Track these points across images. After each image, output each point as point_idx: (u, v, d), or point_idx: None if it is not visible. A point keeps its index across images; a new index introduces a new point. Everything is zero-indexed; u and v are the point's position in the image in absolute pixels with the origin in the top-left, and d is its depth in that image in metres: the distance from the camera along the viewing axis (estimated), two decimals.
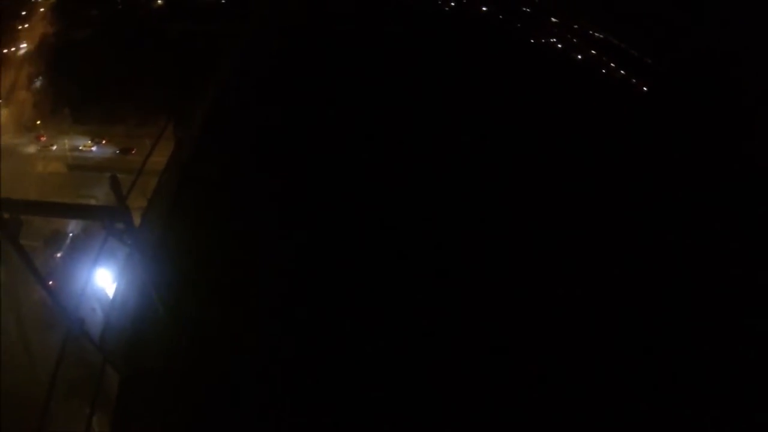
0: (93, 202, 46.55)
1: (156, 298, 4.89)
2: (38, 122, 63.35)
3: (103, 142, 60.92)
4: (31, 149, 61.97)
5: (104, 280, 33.71)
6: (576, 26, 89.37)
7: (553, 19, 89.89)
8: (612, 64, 76.70)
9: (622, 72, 74.51)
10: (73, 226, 45.78)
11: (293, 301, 6.42)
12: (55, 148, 61.97)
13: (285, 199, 8.52)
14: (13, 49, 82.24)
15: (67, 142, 62.38)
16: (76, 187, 51.89)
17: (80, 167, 56.63)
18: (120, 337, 5.61)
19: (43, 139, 62.35)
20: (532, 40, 67.35)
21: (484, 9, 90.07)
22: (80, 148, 61.32)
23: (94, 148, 60.90)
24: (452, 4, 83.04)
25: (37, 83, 69.83)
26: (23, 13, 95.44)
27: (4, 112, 67.83)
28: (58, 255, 44.77)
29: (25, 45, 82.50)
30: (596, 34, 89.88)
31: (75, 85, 62.07)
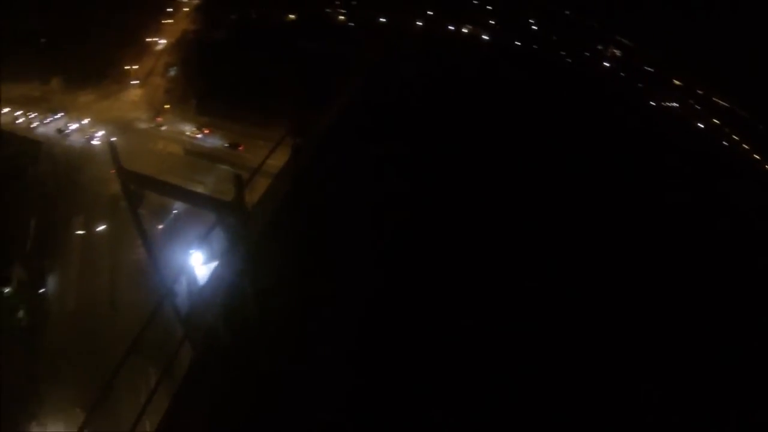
0: (201, 188, 49.42)
1: (249, 289, 5.00)
2: (166, 106, 69.11)
3: (206, 131, 65.34)
4: (143, 125, 69.09)
5: (196, 261, 35.71)
6: (700, 91, 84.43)
7: (677, 82, 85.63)
8: (735, 137, 71.48)
9: (745, 146, 69.17)
10: (179, 205, 49.15)
11: (383, 307, 6.21)
12: (164, 128, 68.02)
13: (392, 220, 8.37)
14: (156, 40, 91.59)
15: (179, 127, 68.07)
16: (189, 170, 56.38)
17: (194, 153, 61.24)
18: (205, 317, 5.70)
19: (159, 119, 68.82)
20: (652, 102, 64.19)
21: (605, 65, 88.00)
22: (187, 133, 66.28)
23: (199, 135, 65.55)
24: (575, 57, 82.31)
25: (172, 72, 76.61)
26: (169, 10, 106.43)
27: (139, 92, 75.42)
28: (160, 227, 48.60)
29: (166, 38, 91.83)
30: (721, 102, 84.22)
31: (204, 80, 67.11)
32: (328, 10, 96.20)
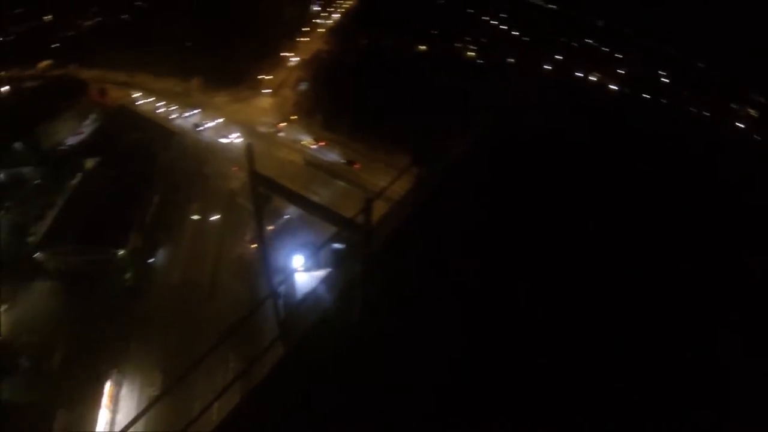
0: (316, 198, 50.27)
1: (356, 304, 4.43)
2: (293, 117, 72.51)
3: (321, 144, 67.61)
4: (266, 130, 72.89)
5: (298, 265, 36.51)
6: None
7: None
8: None
9: None
10: (291, 210, 50.63)
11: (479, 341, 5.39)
12: (282, 134, 71.36)
13: (505, 261, 7.55)
14: (290, 55, 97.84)
15: (297, 136, 71.04)
16: (307, 180, 58.32)
17: (313, 165, 63.25)
18: (304, 322, 4.98)
19: (280, 126, 72.14)
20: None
21: (739, 125, 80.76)
22: (303, 142, 68.98)
23: (314, 146, 68.02)
24: (705, 114, 76.49)
25: (302, 86, 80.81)
26: (306, 29, 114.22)
27: (270, 101, 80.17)
28: (270, 228, 49.92)
29: (300, 55, 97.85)
30: None
31: (331, 98, 69.70)
32: (458, 45, 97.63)
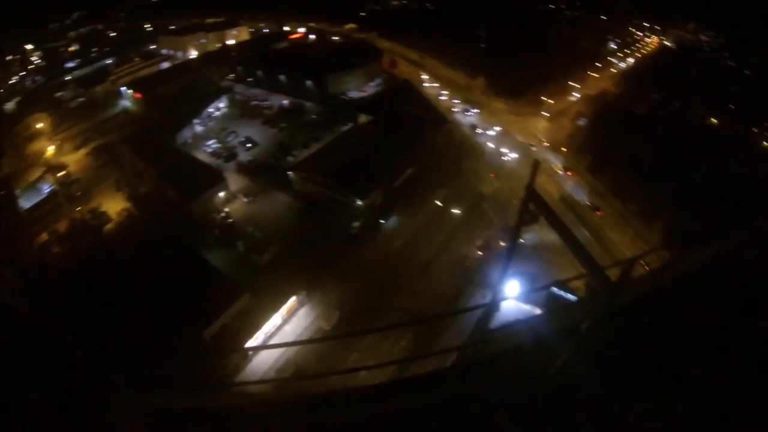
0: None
1: (563, 357, 4.26)
2: (563, 149, 70.55)
3: (569, 173, 66.29)
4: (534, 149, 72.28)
5: (512, 290, 35.08)
6: None
7: None
8: None
9: None
10: (530, 237, 49.13)
11: None
12: (534, 149, 71.99)
13: None
14: (577, 86, 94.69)
15: (550, 157, 70.41)
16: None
17: (565, 202, 61.43)
18: (498, 345, 5.26)
19: (540, 145, 70.17)
20: None
21: None
22: (552, 165, 68.70)
23: (560, 172, 67.67)
24: None
25: (580, 122, 77.90)
26: (598, 65, 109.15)
27: (545, 124, 79.38)
28: (502, 244, 49.39)
29: (586, 90, 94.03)
30: None
31: (608, 142, 65.54)
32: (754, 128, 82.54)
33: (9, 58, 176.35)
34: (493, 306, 6.59)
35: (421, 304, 43.61)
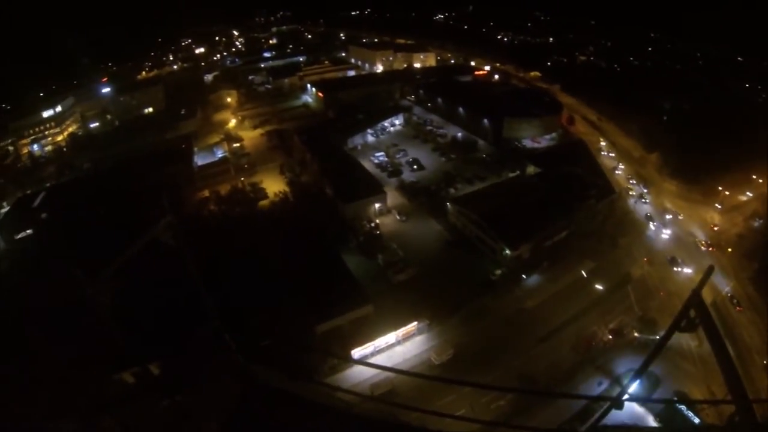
0: None
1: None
2: (730, 249, 63.95)
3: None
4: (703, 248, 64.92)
5: (628, 386, 31.67)
6: None
7: None
8: None
9: None
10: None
11: None
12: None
13: None
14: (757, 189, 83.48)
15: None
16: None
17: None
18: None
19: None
20: None
21: None
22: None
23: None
24: None
25: (755, 222, 69.98)
26: None
27: (718, 218, 71.78)
28: (635, 333, 46.63)
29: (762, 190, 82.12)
30: None
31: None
32: None
33: (216, 38, 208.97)
34: (617, 402, 6.17)
35: (535, 369, 41.94)
